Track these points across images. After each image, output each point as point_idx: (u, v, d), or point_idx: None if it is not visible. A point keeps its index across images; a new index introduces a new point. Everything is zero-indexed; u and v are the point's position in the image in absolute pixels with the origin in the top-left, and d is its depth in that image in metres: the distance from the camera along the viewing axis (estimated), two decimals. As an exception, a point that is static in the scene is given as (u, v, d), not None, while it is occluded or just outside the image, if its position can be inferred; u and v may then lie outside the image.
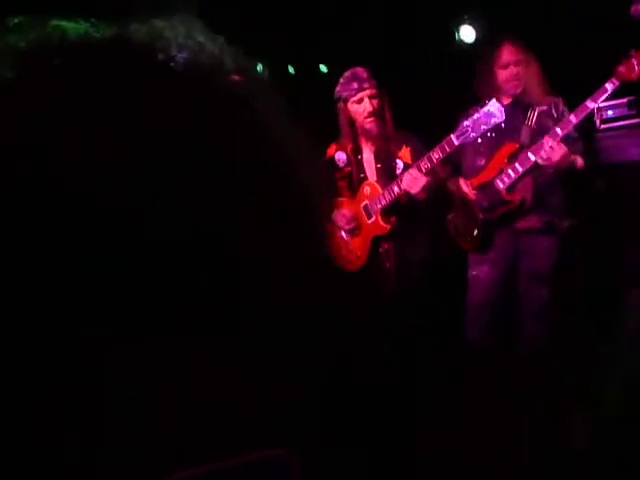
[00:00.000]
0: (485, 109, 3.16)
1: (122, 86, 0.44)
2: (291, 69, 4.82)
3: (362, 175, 3.56)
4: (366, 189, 3.52)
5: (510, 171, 3.39)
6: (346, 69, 3.52)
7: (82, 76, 0.44)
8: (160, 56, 0.47)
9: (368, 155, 3.52)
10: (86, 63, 0.45)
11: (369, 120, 3.36)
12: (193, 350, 0.45)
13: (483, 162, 3.49)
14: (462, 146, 3.55)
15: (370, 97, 3.35)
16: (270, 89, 0.53)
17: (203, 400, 0.45)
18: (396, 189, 3.33)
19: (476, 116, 3.18)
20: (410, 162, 3.41)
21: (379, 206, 3.42)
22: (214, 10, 1.92)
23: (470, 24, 4.33)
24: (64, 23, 0.46)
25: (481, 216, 3.49)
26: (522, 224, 3.41)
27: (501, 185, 3.42)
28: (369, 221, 3.48)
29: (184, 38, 0.49)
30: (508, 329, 3.70)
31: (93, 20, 0.47)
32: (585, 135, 3.49)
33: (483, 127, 3.15)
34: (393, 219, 3.42)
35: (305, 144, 0.52)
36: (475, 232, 3.53)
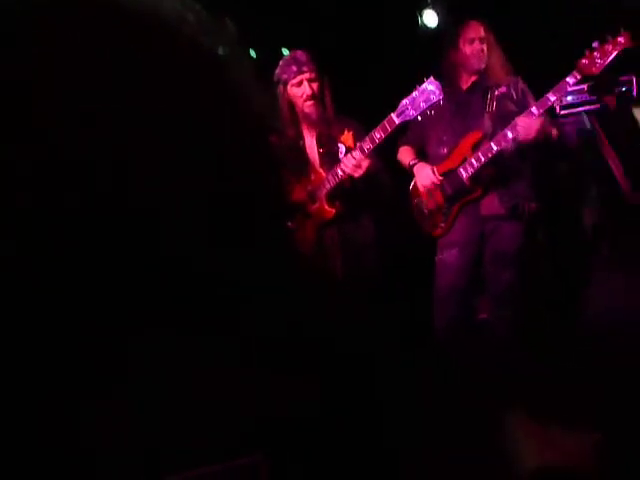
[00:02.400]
0: (423, 87, 3.18)
1: (87, 40, 0.43)
2: (253, 53, 4.75)
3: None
4: (310, 175, 3.43)
5: (473, 160, 3.43)
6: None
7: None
8: (120, 8, 0.46)
9: (310, 141, 3.43)
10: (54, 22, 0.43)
11: (309, 104, 3.28)
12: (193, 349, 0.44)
13: (446, 151, 3.53)
14: (426, 133, 3.58)
15: (309, 80, 3.27)
16: (239, 47, 0.52)
17: (202, 399, 0.45)
18: (340, 172, 3.28)
19: (415, 94, 3.18)
20: (352, 146, 3.33)
21: (324, 191, 3.35)
22: None
23: (433, 8, 4.33)
24: None
25: (445, 203, 3.52)
26: (486, 211, 3.45)
27: (464, 174, 3.45)
28: (314, 207, 3.39)
29: None
30: (475, 314, 3.75)
31: None
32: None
33: (422, 104, 3.16)
34: (337, 203, 3.35)
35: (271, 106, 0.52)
36: (439, 218, 3.56)
